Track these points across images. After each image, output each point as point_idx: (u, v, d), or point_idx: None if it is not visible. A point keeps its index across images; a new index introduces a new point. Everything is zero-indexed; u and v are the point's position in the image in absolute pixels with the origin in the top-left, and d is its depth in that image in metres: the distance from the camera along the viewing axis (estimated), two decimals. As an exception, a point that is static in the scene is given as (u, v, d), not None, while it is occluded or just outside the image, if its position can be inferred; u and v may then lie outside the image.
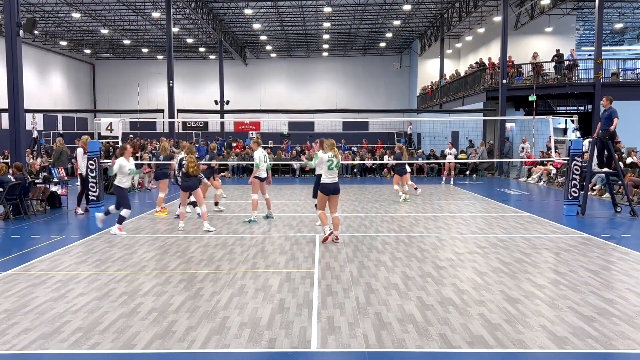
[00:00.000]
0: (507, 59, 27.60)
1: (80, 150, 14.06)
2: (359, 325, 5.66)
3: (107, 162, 14.86)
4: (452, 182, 22.10)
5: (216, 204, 14.52)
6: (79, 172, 14.38)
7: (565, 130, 26.83)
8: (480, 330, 5.53)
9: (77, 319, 5.90)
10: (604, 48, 32.07)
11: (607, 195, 15.94)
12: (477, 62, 32.96)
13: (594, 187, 17.40)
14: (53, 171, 15.53)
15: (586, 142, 16.32)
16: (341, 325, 5.66)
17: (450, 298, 6.57)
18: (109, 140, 22.42)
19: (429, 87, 41.01)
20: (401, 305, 6.29)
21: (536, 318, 5.87)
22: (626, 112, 22.56)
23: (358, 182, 23.63)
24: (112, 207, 11.16)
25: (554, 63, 27.56)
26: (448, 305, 6.29)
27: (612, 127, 13.10)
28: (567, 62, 26.91)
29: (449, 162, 22.43)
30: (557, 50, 27.80)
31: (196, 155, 11.87)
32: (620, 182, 14.41)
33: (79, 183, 14.73)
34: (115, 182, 10.92)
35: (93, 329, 5.58)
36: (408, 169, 16.95)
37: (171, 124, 29.20)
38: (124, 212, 10.81)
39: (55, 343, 5.24)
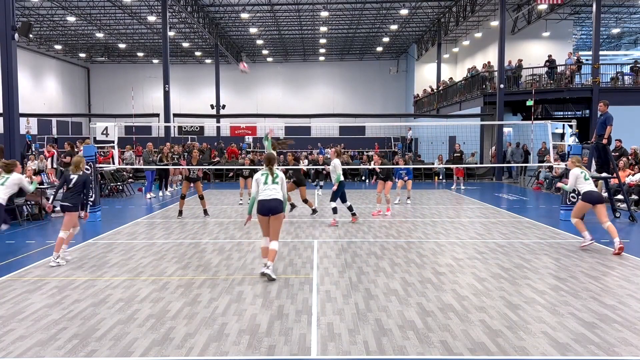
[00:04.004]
0: (507, 63, 27.65)
1: None
2: (359, 332, 5.60)
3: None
4: (462, 186, 22.10)
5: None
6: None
7: (562, 135, 26.86)
8: (482, 336, 5.47)
9: (74, 325, 5.82)
10: (601, 53, 32.20)
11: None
12: (469, 69, 32.98)
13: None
14: (42, 176, 15.37)
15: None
16: (341, 332, 5.60)
17: (451, 304, 6.52)
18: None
19: (423, 95, 40.98)
20: (401, 312, 6.23)
21: (537, 324, 5.82)
22: (624, 116, 22.59)
23: (355, 187, 23.56)
24: None
25: (546, 69, 27.66)
26: (448, 312, 6.23)
27: (604, 139, 13.09)
28: (568, 64, 26.93)
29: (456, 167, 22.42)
30: (550, 56, 27.88)
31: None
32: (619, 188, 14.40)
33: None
34: None
35: (90, 336, 5.50)
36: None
37: (167, 129, 29.12)
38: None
39: (51, 350, 5.16)
